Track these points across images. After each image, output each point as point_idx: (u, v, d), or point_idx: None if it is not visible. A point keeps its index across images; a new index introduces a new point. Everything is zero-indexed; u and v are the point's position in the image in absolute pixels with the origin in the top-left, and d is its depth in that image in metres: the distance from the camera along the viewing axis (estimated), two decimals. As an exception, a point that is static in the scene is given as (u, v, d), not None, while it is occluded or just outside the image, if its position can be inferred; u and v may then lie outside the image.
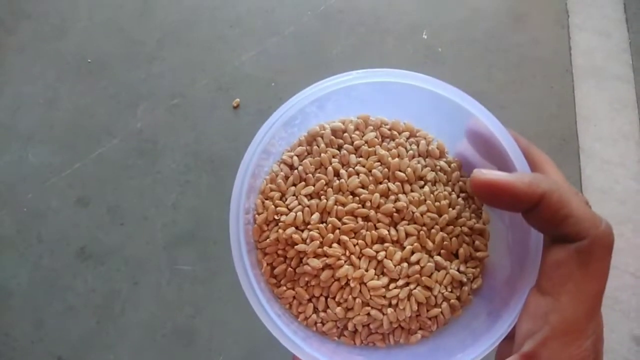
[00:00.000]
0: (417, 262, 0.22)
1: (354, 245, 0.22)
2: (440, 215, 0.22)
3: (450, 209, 0.23)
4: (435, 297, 0.22)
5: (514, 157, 0.21)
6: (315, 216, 0.23)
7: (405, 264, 0.22)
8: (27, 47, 0.54)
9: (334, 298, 0.22)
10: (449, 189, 0.23)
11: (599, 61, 0.53)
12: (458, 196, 0.23)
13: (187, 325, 0.43)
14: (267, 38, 0.54)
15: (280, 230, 0.23)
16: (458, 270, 0.22)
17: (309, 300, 0.23)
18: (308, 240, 0.22)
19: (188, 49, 0.54)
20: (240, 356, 0.42)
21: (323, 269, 0.22)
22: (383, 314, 0.22)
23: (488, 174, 0.18)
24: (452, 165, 0.24)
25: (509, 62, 0.53)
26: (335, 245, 0.22)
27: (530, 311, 0.18)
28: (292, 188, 0.23)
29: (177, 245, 0.46)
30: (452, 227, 0.23)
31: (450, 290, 0.22)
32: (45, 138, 0.50)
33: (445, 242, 0.22)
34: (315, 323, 0.22)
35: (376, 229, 0.22)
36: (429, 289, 0.22)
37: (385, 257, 0.22)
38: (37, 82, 0.52)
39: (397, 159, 0.23)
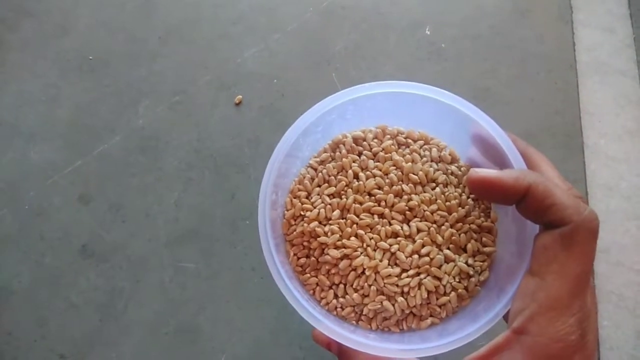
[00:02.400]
0: (427, 255, 0.24)
1: (370, 239, 0.25)
2: (450, 214, 0.24)
3: (460, 208, 0.25)
4: (444, 286, 0.24)
5: (512, 157, 0.23)
6: (336, 213, 0.25)
7: (416, 256, 0.24)
8: (28, 45, 0.53)
9: (351, 285, 0.25)
10: (460, 190, 0.25)
11: (604, 57, 0.52)
12: (468, 197, 0.25)
13: (190, 323, 0.43)
14: (269, 35, 0.54)
15: (305, 224, 0.25)
16: (466, 263, 0.24)
17: (330, 287, 0.25)
18: (329, 234, 0.25)
19: (190, 46, 0.53)
20: (244, 354, 0.42)
21: (342, 258, 0.25)
22: (395, 302, 0.24)
23: (480, 171, 0.20)
24: (462, 169, 0.26)
25: (512, 58, 0.53)
26: (352, 238, 0.25)
27: (521, 291, 0.20)
28: (317, 188, 0.27)
29: (180, 243, 0.45)
30: (461, 224, 0.25)
31: (458, 280, 0.24)
32: (47, 136, 0.49)
33: (454, 237, 0.24)
34: (336, 308, 0.25)
35: (390, 224, 0.25)
36: (438, 279, 0.24)
37: (398, 249, 0.24)
38: (39, 80, 0.52)
39: (410, 164, 0.25)
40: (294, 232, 0.26)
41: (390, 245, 0.24)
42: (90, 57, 0.53)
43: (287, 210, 0.27)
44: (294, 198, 0.27)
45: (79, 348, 0.42)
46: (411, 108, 0.26)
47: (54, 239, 0.45)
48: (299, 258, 0.26)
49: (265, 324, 0.43)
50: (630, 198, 0.47)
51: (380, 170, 0.26)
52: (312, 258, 0.25)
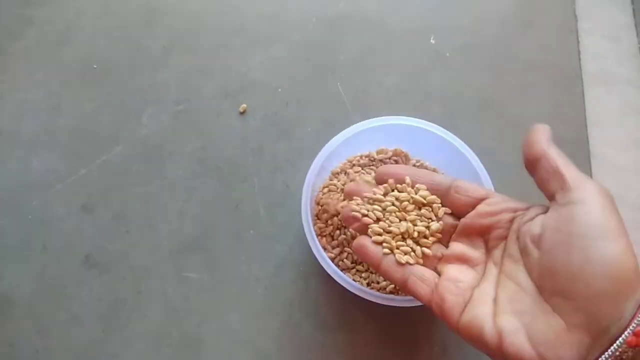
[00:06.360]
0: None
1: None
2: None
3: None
4: None
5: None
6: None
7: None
8: (31, 53, 0.53)
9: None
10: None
11: (609, 66, 0.52)
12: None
13: (193, 334, 0.42)
14: (273, 44, 0.54)
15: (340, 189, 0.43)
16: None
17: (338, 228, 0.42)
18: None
19: (193, 55, 0.53)
20: (247, 366, 0.41)
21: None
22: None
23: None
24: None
25: (517, 67, 0.53)
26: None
27: None
28: (341, 176, 0.44)
29: (183, 253, 0.45)
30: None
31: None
32: (49, 145, 0.49)
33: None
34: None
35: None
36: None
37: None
38: (42, 88, 0.52)
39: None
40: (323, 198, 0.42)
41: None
42: (94, 66, 0.52)
43: (324, 187, 0.43)
44: (331, 181, 0.43)
45: (81, 360, 0.42)
46: (415, 138, 0.42)
47: (56, 249, 0.45)
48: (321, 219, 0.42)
49: (269, 335, 0.42)
50: (639, 208, 0.46)
51: None
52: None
